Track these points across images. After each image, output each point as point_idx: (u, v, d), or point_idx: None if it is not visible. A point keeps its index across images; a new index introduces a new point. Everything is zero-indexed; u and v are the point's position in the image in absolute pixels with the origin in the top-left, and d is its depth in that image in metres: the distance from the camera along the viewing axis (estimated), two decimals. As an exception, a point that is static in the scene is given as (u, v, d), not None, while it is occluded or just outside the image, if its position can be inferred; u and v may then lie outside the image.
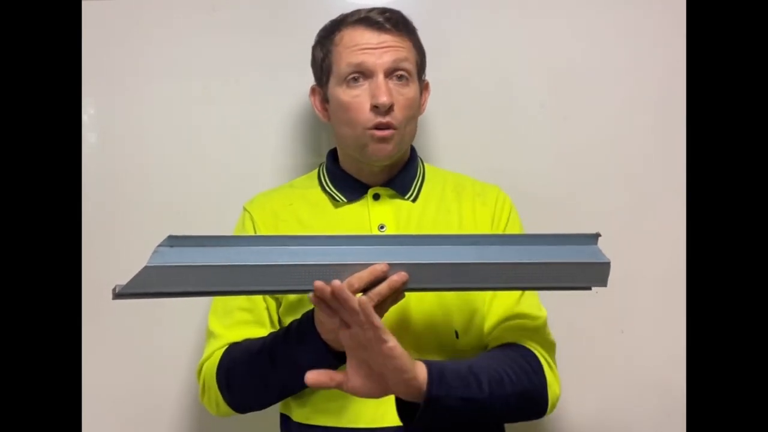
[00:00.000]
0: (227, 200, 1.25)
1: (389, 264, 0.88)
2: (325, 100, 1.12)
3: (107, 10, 1.33)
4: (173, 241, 0.88)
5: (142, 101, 1.34)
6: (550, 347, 1.06)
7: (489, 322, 1.06)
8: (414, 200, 1.11)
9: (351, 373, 0.87)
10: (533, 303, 1.08)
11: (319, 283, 0.83)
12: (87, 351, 1.20)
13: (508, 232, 1.11)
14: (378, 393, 0.88)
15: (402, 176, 1.12)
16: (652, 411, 1.36)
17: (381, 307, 0.89)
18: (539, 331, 1.06)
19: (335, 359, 0.96)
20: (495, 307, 1.06)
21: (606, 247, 0.93)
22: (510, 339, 1.04)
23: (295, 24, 1.32)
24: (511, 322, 1.05)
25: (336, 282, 0.83)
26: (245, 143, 1.35)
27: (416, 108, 1.09)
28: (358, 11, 1.08)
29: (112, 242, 1.32)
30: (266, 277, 0.88)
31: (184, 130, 1.34)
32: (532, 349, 1.03)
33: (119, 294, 0.85)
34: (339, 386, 0.87)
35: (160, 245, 0.87)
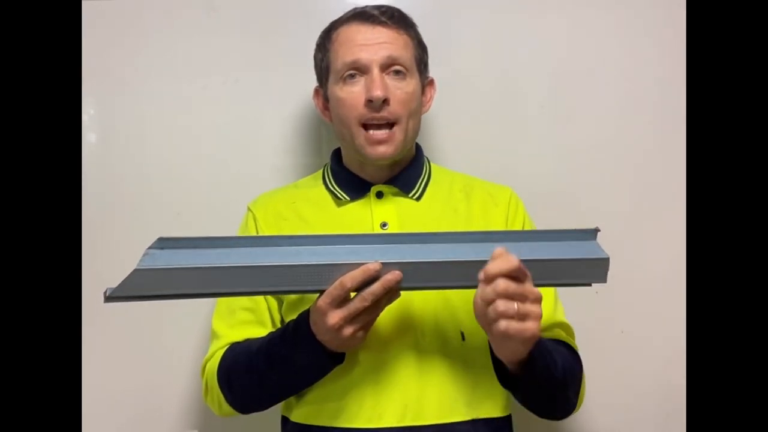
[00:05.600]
0: (227, 200, 1.25)
1: (383, 263, 0.86)
2: (326, 99, 1.11)
3: (107, 10, 1.33)
4: (163, 243, 0.87)
5: (142, 101, 1.34)
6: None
7: None
8: (418, 199, 1.10)
9: None
10: (561, 310, 1.10)
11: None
12: (87, 350, 1.19)
13: None
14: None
15: (406, 174, 1.11)
16: (652, 411, 1.36)
17: (377, 306, 0.89)
18: (574, 343, 1.08)
19: (331, 360, 0.95)
20: None
21: (606, 247, 0.92)
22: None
23: (295, 24, 1.32)
24: (555, 331, 1.07)
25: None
26: (245, 143, 1.34)
27: (416, 102, 1.07)
28: (355, 8, 1.08)
29: (111, 242, 1.32)
30: (257, 279, 0.86)
31: (184, 130, 1.34)
32: (580, 359, 1.06)
33: (110, 297, 0.85)
34: None
35: (150, 247, 0.87)
